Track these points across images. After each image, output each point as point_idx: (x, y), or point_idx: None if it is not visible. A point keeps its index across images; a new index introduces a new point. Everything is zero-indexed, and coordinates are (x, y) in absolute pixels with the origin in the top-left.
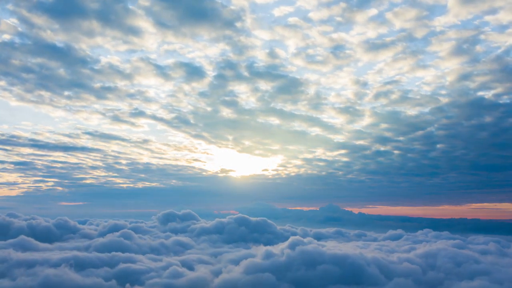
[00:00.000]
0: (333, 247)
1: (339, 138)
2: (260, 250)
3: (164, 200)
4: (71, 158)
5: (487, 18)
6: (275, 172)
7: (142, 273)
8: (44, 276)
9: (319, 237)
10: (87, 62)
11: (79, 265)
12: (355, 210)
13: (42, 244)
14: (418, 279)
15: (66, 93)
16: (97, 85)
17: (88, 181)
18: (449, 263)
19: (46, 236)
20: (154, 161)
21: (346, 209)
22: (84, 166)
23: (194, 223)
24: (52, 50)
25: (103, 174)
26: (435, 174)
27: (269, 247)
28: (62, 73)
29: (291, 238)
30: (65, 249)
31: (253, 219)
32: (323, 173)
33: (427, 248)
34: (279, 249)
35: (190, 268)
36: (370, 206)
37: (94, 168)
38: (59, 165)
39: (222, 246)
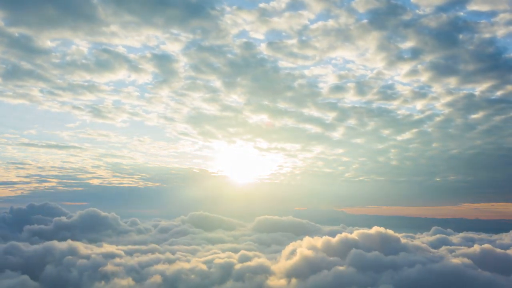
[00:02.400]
0: None
1: (336, 135)
2: None
3: (162, 201)
4: (71, 158)
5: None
6: (272, 174)
7: None
8: None
9: None
10: (51, 55)
11: None
12: (350, 211)
13: None
14: None
15: (35, 89)
16: (67, 79)
17: (89, 181)
18: None
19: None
20: (151, 160)
21: (342, 210)
22: (84, 166)
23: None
24: (10, 41)
25: (104, 174)
26: (433, 174)
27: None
28: (26, 66)
29: None
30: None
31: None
32: (320, 173)
33: None
34: None
35: None
36: (366, 207)
37: (95, 167)
38: (59, 163)
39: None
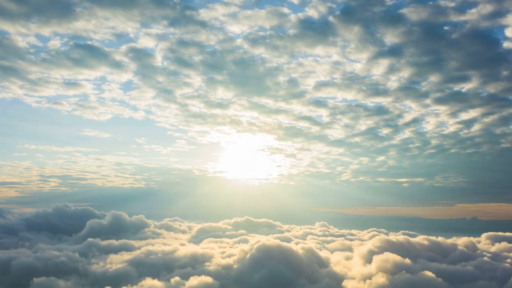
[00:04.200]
0: None
1: (334, 135)
2: None
3: (165, 201)
4: (72, 158)
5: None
6: (270, 174)
7: None
8: None
9: None
10: (28, 51)
11: None
12: (350, 212)
13: None
14: None
15: (14, 86)
16: (48, 76)
17: (93, 181)
18: None
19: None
20: (151, 161)
21: (340, 211)
22: (87, 166)
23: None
24: None
25: (107, 174)
26: (432, 174)
27: None
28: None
29: None
30: None
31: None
32: (317, 174)
33: None
34: None
35: None
36: (366, 207)
37: (98, 167)
38: (61, 163)
39: None
